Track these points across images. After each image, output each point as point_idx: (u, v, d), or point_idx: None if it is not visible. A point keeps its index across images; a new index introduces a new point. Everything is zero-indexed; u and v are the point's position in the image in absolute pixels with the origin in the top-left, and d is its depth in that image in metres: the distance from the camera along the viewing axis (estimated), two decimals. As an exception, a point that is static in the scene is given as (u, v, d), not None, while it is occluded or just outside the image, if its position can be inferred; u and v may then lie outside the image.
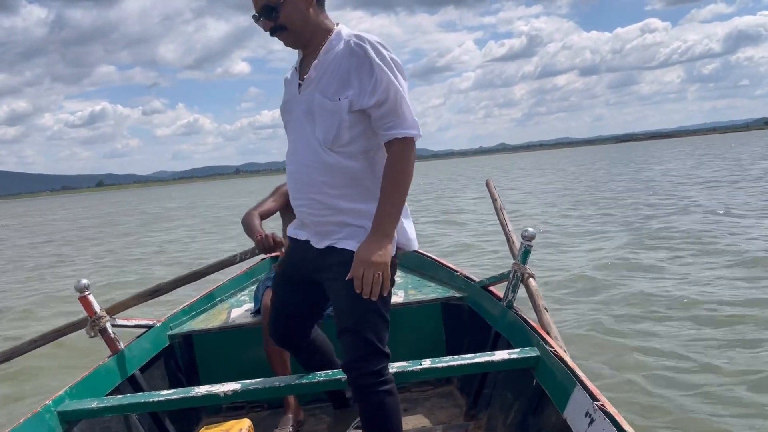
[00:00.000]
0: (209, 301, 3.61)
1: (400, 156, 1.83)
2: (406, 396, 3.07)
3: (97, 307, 2.80)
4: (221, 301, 3.68)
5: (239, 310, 3.37)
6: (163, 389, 2.64)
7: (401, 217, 1.90)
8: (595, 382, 1.94)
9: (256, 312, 3.20)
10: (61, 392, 2.34)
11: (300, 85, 1.96)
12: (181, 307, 3.42)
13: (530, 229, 2.72)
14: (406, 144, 1.83)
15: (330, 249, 1.95)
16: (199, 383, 3.06)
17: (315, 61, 1.90)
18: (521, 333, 2.53)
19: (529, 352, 2.30)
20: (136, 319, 3.01)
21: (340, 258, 1.90)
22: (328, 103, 1.85)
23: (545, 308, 2.59)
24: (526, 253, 2.74)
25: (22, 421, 2.10)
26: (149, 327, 3.05)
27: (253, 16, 1.93)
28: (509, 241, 2.95)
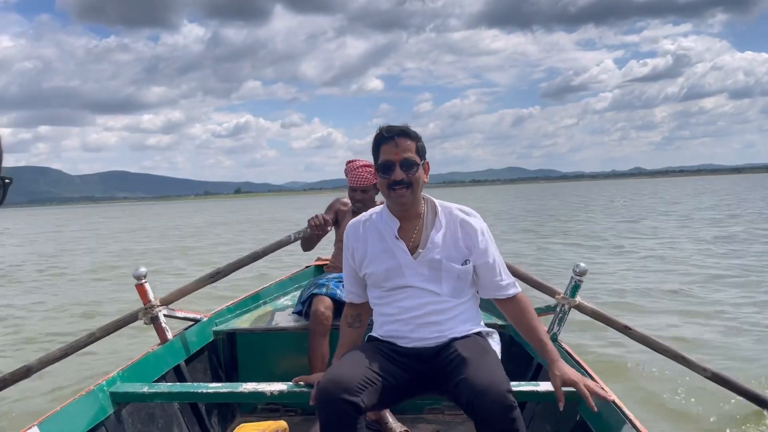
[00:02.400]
0: (254, 301, 3.71)
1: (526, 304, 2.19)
2: (439, 418, 3.06)
3: (151, 296, 2.95)
4: (265, 303, 3.76)
5: (282, 313, 3.44)
6: (204, 383, 2.74)
7: None
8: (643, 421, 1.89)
9: (299, 315, 3.27)
10: (113, 374, 2.46)
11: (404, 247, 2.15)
12: (227, 304, 3.52)
13: (582, 265, 2.79)
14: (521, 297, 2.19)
15: None
16: (238, 380, 3.15)
17: (432, 231, 2.14)
18: None
19: None
20: (185, 312, 3.14)
21: None
22: (456, 267, 2.12)
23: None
24: (575, 287, 2.82)
25: (77, 396, 2.23)
26: (196, 321, 3.16)
27: (381, 165, 2.10)
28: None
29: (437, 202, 2.19)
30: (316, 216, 3.18)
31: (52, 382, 4.76)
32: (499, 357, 2.13)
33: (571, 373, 2.00)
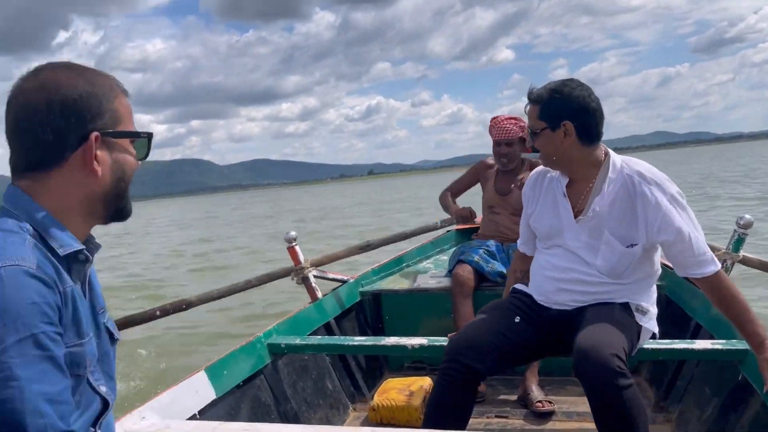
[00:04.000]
0: (397, 264, 3.81)
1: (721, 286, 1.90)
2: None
3: (302, 258, 3.17)
4: (408, 266, 3.85)
5: (425, 276, 3.51)
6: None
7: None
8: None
9: (444, 277, 3.31)
10: (269, 327, 2.65)
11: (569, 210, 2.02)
12: (372, 267, 3.65)
13: (747, 216, 2.57)
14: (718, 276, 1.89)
15: None
16: None
17: (597, 197, 1.93)
18: (726, 325, 2.28)
19: (737, 344, 2.11)
20: (333, 273, 3.31)
21: None
22: (618, 246, 1.92)
23: None
24: (739, 241, 2.62)
25: (238, 346, 2.43)
26: (343, 282, 3.32)
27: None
28: None
29: (620, 164, 1.94)
30: (463, 208, 3.25)
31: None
32: (647, 323, 1.98)
33: None
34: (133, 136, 1.11)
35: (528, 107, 1.98)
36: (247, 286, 3.16)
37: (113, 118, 1.06)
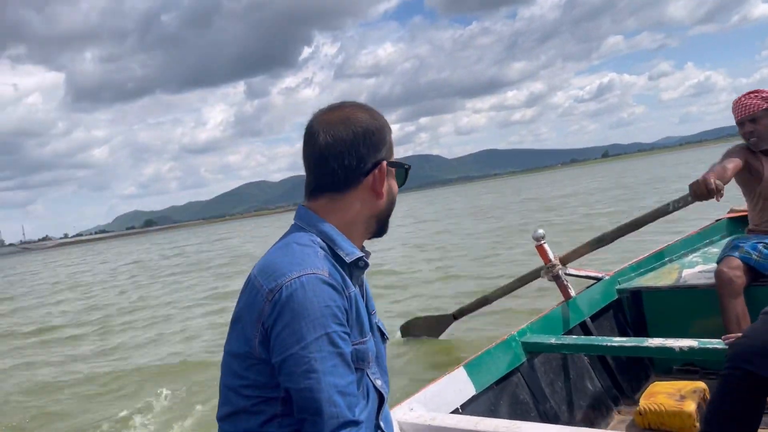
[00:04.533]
0: (658, 259, 3.54)
1: None
2: None
3: (551, 255, 3.12)
4: (671, 260, 3.56)
5: (691, 270, 3.21)
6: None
7: None
8: None
9: (713, 273, 2.98)
10: (523, 326, 2.68)
11: None
12: (629, 263, 3.45)
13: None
14: None
15: None
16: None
17: None
18: None
19: None
20: (585, 270, 3.20)
21: None
22: None
23: None
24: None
25: (493, 345, 2.51)
26: (598, 279, 3.19)
27: None
28: None
29: None
30: (699, 183, 2.53)
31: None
32: None
33: None
34: (403, 167, 1.26)
35: None
36: (504, 294, 3.25)
37: (389, 150, 1.22)
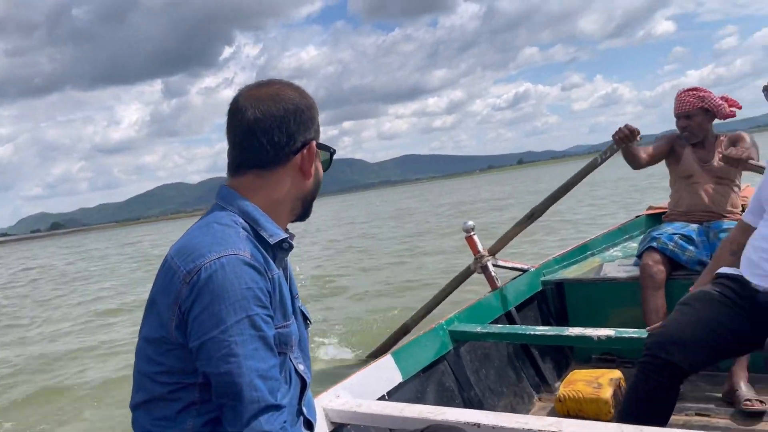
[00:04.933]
0: (581, 253, 3.67)
1: None
2: None
3: (480, 247, 3.17)
4: (593, 254, 3.69)
5: (612, 264, 3.33)
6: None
7: None
8: None
9: (633, 266, 3.12)
10: (451, 315, 2.70)
11: None
12: (554, 255, 3.55)
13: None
14: None
15: None
16: None
17: None
18: None
19: None
20: (513, 262, 3.28)
21: None
22: None
23: None
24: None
25: (421, 333, 2.53)
26: (524, 271, 3.27)
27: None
28: None
29: None
30: (620, 129, 2.87)
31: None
32: None
33: None
34: (330, 150, 1.24)
35: None
36: (446, 295, 3.28)
37: (317, 131, 1.19)
